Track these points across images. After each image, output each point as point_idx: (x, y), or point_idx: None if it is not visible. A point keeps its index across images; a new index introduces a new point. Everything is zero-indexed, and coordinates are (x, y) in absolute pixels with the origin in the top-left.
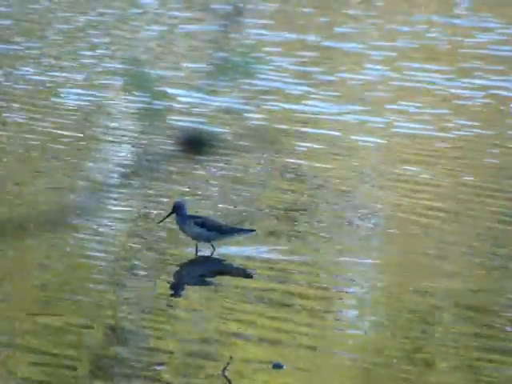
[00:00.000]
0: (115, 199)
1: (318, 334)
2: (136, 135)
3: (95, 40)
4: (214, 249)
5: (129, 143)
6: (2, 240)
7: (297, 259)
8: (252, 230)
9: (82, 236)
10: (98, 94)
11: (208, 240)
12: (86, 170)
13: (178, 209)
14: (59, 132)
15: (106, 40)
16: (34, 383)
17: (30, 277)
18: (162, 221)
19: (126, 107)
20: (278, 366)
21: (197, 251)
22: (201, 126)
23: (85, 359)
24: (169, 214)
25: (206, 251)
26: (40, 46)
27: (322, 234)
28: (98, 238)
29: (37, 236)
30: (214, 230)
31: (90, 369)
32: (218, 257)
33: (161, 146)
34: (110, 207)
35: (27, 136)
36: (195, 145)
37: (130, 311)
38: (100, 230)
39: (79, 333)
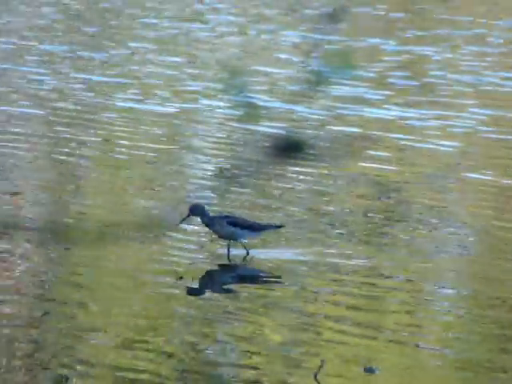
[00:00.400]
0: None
1: (409, 339)
2: (225, 142)
3: (182, 48)
4: (248, 252)
5: (218, 150)
6: (98, 246)
7: (386, 264)
8: (281, 226)
9: (169, 244)
10: (185, 101)
11: (241, 238)
12: (176, 179)
13: (196, 211)
14: (149, 140)
15: (191, 46)
16: None
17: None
18: (180, 223)
19: (214, 114)
20: (370, 370)
21: (229, 252)
22: (290, 133)
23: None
24: (186, 217)
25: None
26: (125, 53)
27: (406, 240)
28: (185, 246)
29: (127, 244)
30: (247, 228)
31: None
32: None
33: (250, 153)
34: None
35: (116, 143)
36: (287, 150)
37: (218, 315)
38: (189, 238)
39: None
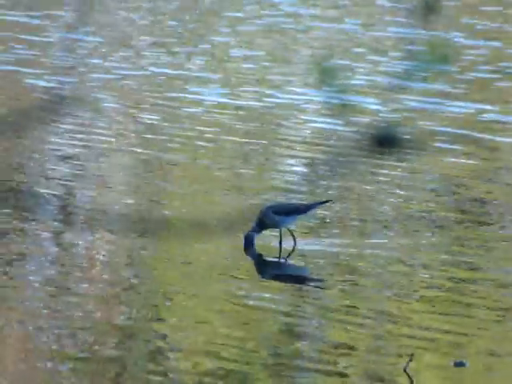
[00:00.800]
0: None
1: (498, 334)
2: (315, 135)
3: (270, 41)
4: (295, 241)
5: (307, 145)
6: (186, 242)
7: (468, 258)
8: (327, 201)
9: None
10: (276, 93)
11: (290, 224)
12: (267, 174)
13: (250, 238)
14: (238, 134)
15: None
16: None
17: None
18: (251, 254)
19: (304, 107)
20: (460, 364)
21: (281, 240)
22: (387, 127)
23: (265, 352)
24: (250, 248)
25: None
26: (208, 47)
27: (487, 236)
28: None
29: (212, 239)
30: (293, 213)
31: (269, 362)
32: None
33: (341, 146)
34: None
35: (204, 138)
36: (384, 143)
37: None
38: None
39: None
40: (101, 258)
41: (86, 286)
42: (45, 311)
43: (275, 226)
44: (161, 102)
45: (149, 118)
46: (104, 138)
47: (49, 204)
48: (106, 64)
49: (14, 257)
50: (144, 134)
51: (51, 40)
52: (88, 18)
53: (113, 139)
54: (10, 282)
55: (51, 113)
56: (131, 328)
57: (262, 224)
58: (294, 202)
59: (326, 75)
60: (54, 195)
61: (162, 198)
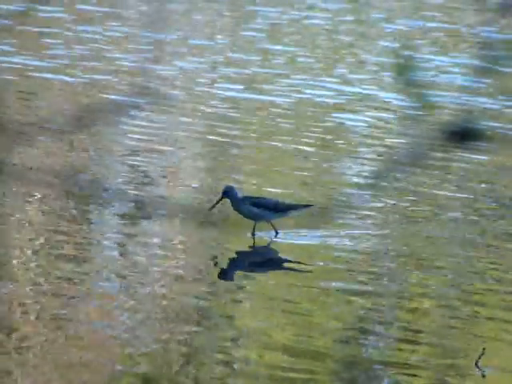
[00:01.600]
0: (373, 195)
1: None
2: (385, 130)
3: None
4: (277, 232)
5: (386, 137)
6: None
7: None
8: (309, 205)
9: (343, 232)
10: (349, 89)
11: (266, 219)
12: (342, 167)
13: (228, 194)
14: (305, 129)
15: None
16: None
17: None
18: (212, 208)
19: (369, 102)
20: None
21: (254, 232)
22: (467, 122)
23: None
24: (218, 201)
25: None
26: (234, 41)
27: None
28: (357, 234)
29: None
30: (271, 209)
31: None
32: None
33: (422, 139)
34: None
35: (266, 135)
36: (464, 137)
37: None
38: (358, 224)
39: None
40: (174, 247)
41: (157, 275)
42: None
43: (251, 217)
44: (234, 94)
45: (221, 112)
46: (175, 132)
47: (123, 195)
48: (176, 61)
49: (89, 243)
50: (215, 129)
51: (120, 35)
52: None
53: (184, 133)
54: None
55: (125, 108)
56: (207, 311)
57: (234, 205)
58: (276, 199)
59: (406, 72)
60: (129, 187)
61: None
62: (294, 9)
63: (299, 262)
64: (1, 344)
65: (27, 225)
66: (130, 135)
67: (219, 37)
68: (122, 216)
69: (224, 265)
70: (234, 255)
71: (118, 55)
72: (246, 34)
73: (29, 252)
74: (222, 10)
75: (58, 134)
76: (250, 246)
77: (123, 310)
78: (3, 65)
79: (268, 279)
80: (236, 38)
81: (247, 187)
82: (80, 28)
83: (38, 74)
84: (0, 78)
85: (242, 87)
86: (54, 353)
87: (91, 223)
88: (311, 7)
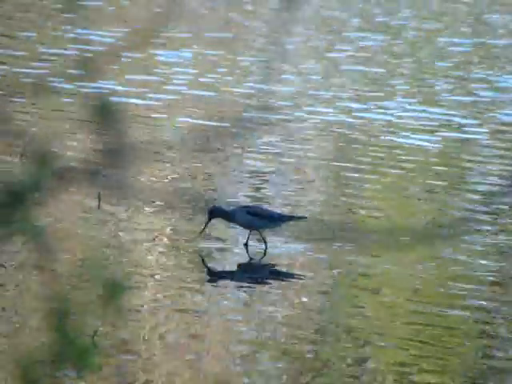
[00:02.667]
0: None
1: None
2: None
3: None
4: (266, 245)
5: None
6: (380, 251)
7: None
8: (303, 217)
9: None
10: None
11: (261, 228)
12: (462, 185)
13: (214, 213)
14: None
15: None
16: None
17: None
18: (202, 231)
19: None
20: None
21: (248, 241)
22: None
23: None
24: (206, 223)
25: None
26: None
27: None
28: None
29: (409, 250)
30: (266, 218)
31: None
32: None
33: None
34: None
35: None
36: None
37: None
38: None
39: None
40: (300, 265)
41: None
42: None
43: (247, 226)
44: (359, 114)
45: (344, 134)
46: (297, 153)
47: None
48: (297, 78)
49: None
50: (338, 151)
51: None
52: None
53: (306, 154)
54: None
55: (246, 128)
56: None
57: (228, 218)
58: (270, 209)
59: None
60: (247, 201)
61: (354, 207)
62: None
63: None
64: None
65: (151, 243)
66: (252, 155)
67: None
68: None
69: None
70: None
71: (235, 77)
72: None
73: (155, 268)
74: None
75: (183, 154)
76: (251, 258)
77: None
78: (120, 89)
79: None
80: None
81: (370, 213)
82: (205, 51)
83: (159, 95)
84: (123, 101)
85: (364, 107)
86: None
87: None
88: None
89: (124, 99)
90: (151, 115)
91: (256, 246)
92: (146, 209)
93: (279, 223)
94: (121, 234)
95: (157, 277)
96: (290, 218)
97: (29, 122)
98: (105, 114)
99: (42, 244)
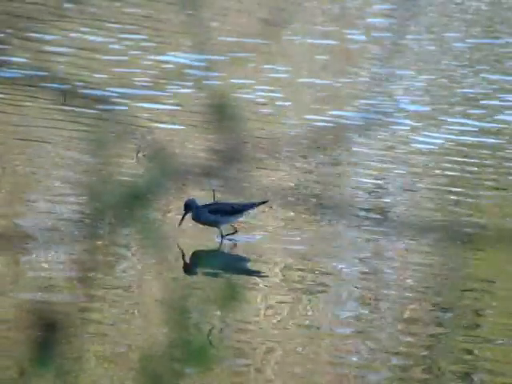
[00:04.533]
0: None
1: None
2: None
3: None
4: (222, 236)
5: None
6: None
7: None
8: (265, 201)
9: None
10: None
11: (226, 223)
12: None
13: (190, 206)
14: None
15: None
16: None
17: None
18: (180, 223)
19: None
20: None
21: (222, 238)
22: None
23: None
24: (184, 215)
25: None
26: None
27: None
28: None
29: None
30: (228, 213)
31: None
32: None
33: None
34: None
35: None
36: None
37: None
38: None
39: None
40: (413, 265)
41: (394, 291)
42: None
43: (211, 225)
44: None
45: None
46: (411, 155)
47: (360, 211)
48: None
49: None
50: (453, 157)
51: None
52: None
53: (420, 157)
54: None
55: (363, 128)
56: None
57: (193, 216)
58: (230, 201)
59: None
60: (364, 204)
61: (472, 210)
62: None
63: None
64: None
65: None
66: (367, 155)
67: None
68: (364, 232)
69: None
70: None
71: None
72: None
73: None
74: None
75: (298, 152)
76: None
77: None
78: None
79: None
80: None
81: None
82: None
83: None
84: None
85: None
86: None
87: (336, 240)
88: None
89: (244, 96)
90: (265, 111)
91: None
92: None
93: (241, 214)
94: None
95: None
96: (252, 205)
97: (145, 122)
98: (223, 112)
99: (161, 243)
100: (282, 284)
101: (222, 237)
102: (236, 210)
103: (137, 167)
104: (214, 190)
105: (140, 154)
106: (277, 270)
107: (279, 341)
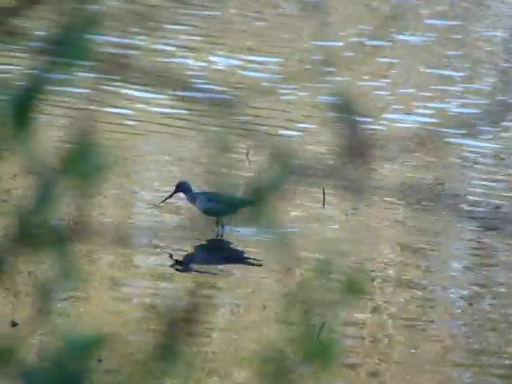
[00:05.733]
0: None
1: None
2: None
3: None
4: (223, 227)
5: None
6: None
7: None
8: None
9: None
10: None
11: (221, 214)
12: None
13: (183, 187)
14: None
15: None
16: None
17: None
18: (163, 201)
19: None
20: None
21: (219, 229)
22: None
23: None
24: (171, 195)
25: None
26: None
27: None
28: None
29: None
30: (226, 203)
31: None
32: None
33: None
34: None
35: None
36: None
37: None
38: None
39: None
40: None
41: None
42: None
43: (208, 212)
44: None
45: None
46: None
47: (476, 209)
48: None
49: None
50: None
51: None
52: None
53: None
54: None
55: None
56: None
57: (190, 199)
58: (230, 194)
59: None
60: (477, 202)
61: None
62: None
63: None
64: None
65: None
66: (480, 148)
67: None
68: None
69: None
70: None
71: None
72: None
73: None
74: None
75: (415, 147)
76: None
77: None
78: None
79: None
80: None
81: None
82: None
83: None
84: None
85: None
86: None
87: (443, 235)
88: None
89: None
90: (385, 108)
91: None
92: (379, 204)
93: (237, 208)
94: (348, 230)
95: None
96: (251, 202)
97: (259, 119)
98: (344, 110)
99: (283, 242)
100: (390, 281)
101: (222, 226)
102: (233, 204)
103: (248, 168)
104: (323, 189)
105: (250, 155)
106: (391, 268)
107: (387, 334)
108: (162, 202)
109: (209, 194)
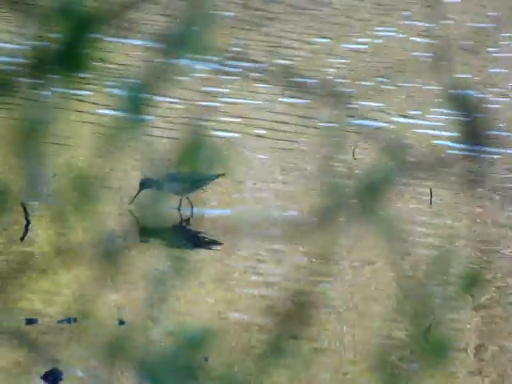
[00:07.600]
0: None
1: None
2: None
3: None
4: (192, 207)
5: None
6: None
7: None
8: (222, 175)
9: None
10: None
11: (186, 192)
12: None
13: (146, 185)
14: None
15: None
16: None
17: None
18: (132, 201)
19: None
20: None
21: (180, 206)
22: None
23: None
24: (137, 194)
25: None
26: None
27: None
28: None
29: None
30: (187, 181)
31: None
32: None
33: None
34: None
35: None
36: None
37: None
38: None
39: None
40: None
41: None
42: None
43: (176, 193)
44: None
45: None
46: None
47: None
48: None
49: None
50: None
51: None
52: None
53: None
54: None
55: None
56: None
57: (157, 188)
58: (191, 171)
59: None
60: None
61: None
62: None
63: None
64: None
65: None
66: None
67: None
68: None
69: None
70: None
71: None
72: None
73: None
74: None
75: None
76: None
77: None
78: None
79: None
80: None
81: None
82: None
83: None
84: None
85: None
86: None
87: None
88: None
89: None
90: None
91: None
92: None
93: (204, 183)
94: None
95: None
96: (214, 176)
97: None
98: (466, 106)
99: (393, 237)
100: None
101: (191, 206)
102: (196, 179)
103: (354, 166)
104: (430, 189)
105: (357, 152)
106: None
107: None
108: (131, 201)
109: (171, 175)
